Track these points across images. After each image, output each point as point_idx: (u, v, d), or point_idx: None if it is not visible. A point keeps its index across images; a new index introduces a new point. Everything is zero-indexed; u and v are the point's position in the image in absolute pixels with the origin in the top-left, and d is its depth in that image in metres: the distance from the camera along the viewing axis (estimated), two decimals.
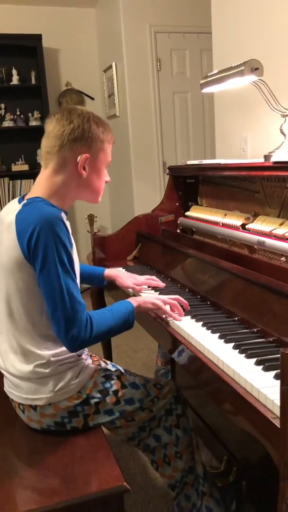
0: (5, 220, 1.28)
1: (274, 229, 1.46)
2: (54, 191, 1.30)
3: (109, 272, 1.72)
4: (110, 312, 1.31)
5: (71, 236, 1.28)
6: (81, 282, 1.54)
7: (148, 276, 1.71)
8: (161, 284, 1.67)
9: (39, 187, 1.31)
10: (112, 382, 1.37)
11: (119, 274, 1.70)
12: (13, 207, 1.30)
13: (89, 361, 1.42)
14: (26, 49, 4.11)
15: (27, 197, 1.31)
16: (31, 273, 1.21)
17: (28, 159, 4.27)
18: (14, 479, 1.17)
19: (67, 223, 1.26)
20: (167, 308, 1.39)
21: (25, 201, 1.27)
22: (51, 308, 1.20)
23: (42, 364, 1.27)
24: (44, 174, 1.32)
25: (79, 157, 1.30)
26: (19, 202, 1.30)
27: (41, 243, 1.16)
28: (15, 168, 4.25)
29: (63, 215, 1.24)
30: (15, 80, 4.16)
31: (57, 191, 1.30)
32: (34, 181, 4.71)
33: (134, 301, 1.37)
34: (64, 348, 1.29)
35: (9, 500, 1.09)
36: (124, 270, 1.94)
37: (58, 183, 1.30)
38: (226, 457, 1.72)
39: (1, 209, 4.92)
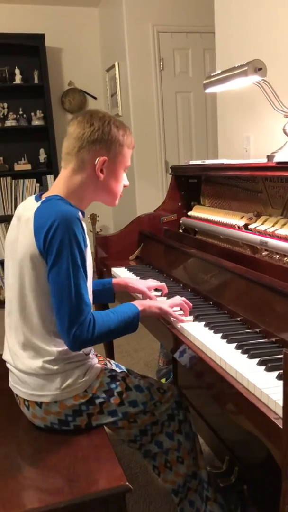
0: (23, 216, 1.29)
1: (276, 229, 1.47)
2: (72, 191, 1.32)
3: (118, 280, 1.63)
4: (114, 314, 1.30)
5: (87, 236, 1.28)
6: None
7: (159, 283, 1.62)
8: (165, 290, 1.61)
9: (58, 186, 1.33)
10: (117, 383, 1.37)
11: (130, 280, 1.62)
12: (31, 204, 1.31)
13: (96, 360, 1.42)
14: (29, 49, 4.12)
15: (45, 195, 1.32)
16: (45, 270, 1.22)
17: (30, 158, 4.28)
18: (17, 478, 1.17)
19: (84, 224, 1.27)
20: (173, 312, 1.38)
21: (43, 199, 1.29)
22: (56, 304, 1.21)
23: (51, 361, 1.27)
24: (63, 175, 1.34)
25: (97, 159, 1.32)
26: (36, 200, 1.32)
27: (56, 238, 1.17)
28: (17, 167, 4.26)
29: (80, 214, 1.25)
30: (17, 79, 4.17)
31: (75, 191, 1.32)
32: (36, 180, 4.73)
33: (139, 304, 1.37)
34: None
35: (12, 499, 1.10)
36: (131, 274, 1.95)
37: (76, 183, 1.32)
38: (228, 457, 1.72)
39: (3, 207, 4.87)
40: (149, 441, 1.40)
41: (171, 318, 1.39)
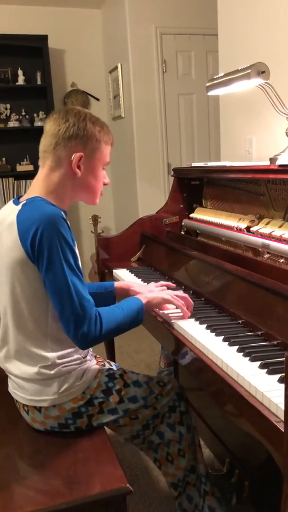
0: (5, 221, 1.27)
1: (278, 232, 1.47)
2: (52, 190, 1.30)
3: (119, 284, 1.59)
4: (119, 309, 1.30)
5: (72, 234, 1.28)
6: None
7: (162, 283, 1.59)
8: (172, 285, 1.61)
9: (37, 187, 1.31)
10: (115, 381, 1.37)
11: (132, 284, 1.58)
12: (11, 208, 1.29)
13: (94, 361, 1.42)
14: (32, 50, 4.11)
15: (26, 197, 1.30)
16: (35, 273, 1.20)
17: (33, 159, 4.28)
18: (17, 480, 1.17)
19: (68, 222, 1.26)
20: (176, 301, 1.39)
21: (24, 201, 1.27)
22: (59, 307, 1.20)
23: (47, 366, 1.27)
24: (41, 174, 1.32)
25: (73, 155, 1.30)
26: (15, 203, 1.30)
27: (45, 242, 1.16)
28: (20, 168, 4.26)
29: (63, 214, 1.24)
30: (20, 80, 4.17)
31: (54, 190, 1.30)
32: None
33: (143, 297, 1.38)
34: (69, 350, 1.30)
35: (12, 501, 1.10)
36: (133, 275, 1.94)
37: (55, 182, 1.30)
38: (229, 459, 1.71)
39: None
40: (151, 433, 1.41)
41: (171, 316, 1.40)
